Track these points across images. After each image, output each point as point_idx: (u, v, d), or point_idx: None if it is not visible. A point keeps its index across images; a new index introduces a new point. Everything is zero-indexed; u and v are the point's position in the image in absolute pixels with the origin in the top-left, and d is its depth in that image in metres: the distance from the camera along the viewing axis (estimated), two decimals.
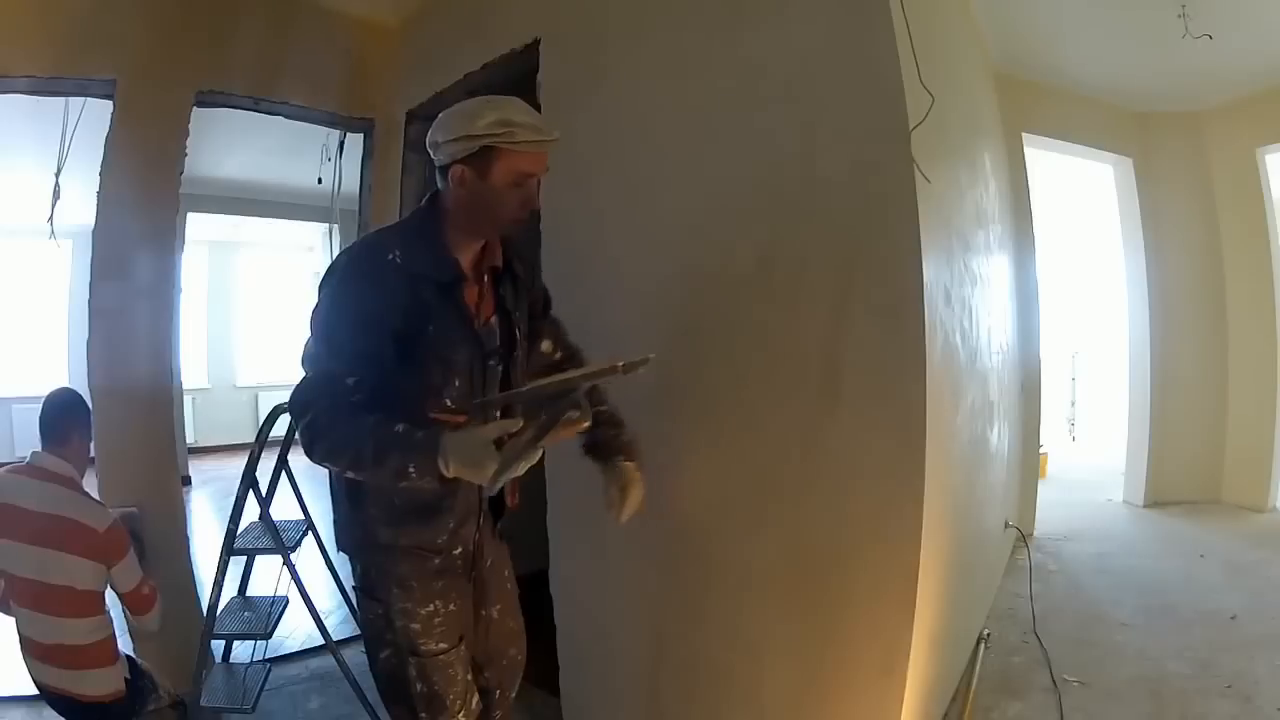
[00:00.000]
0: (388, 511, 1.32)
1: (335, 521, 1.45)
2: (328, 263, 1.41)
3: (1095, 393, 7.09)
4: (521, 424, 1.16)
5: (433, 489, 1.20)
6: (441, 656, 1.36)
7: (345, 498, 1.38)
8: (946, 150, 1.98)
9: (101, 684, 1.76)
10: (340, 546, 1.48)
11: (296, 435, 1.23)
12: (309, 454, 1.23)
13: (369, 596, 1.39)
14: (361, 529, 1.37)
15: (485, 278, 1.37)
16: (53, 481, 1.76)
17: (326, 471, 1.41)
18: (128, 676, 1.83)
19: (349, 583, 2.46)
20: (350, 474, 1.24)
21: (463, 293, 1.32)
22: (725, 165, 1.76)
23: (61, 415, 1.85)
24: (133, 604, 1.89)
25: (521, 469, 1.17)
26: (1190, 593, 3.08)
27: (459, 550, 1.38)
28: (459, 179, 1.24)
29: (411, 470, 1.15)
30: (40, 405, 1.85)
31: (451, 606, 1.39)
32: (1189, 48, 3.22)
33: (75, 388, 2.03)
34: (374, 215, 3.15)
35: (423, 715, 1.36)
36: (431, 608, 1.36)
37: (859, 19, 1.53)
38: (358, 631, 2.52)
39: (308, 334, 1.27)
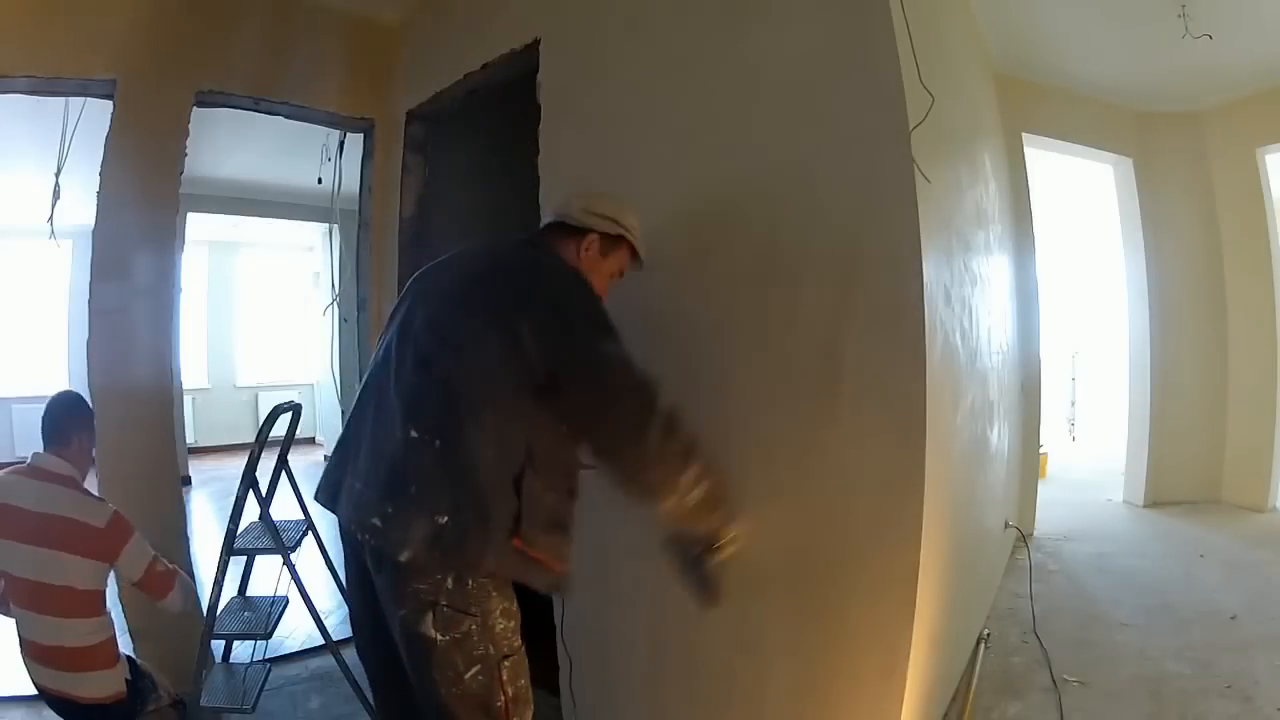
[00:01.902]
0: (544, 522, 1.35)
1: (441, 531, 1.25)
2: (548, 263, 1.47)
3: (1095, 393, 7.10)
4: None
5: (558, 506, 1.39)
6: (522, 648, 1.38)
7: (501, 510, 1.28)
8: (946, 150, 1.98)
9: (103, 686, 1.75)
10: (428, 560, 1.27)
11: (642, 420, 1.29)
12: (666, 436, 1.30)
13: (462, 612, 1.28)
14: (508, 543, 1.30)
15: None
16: (52, 482, 1.75)
17: (434, 473, 1.29)
18: (128, 677, 1.83)
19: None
20: (682, 477, 1.31)
21: None
22: (725, 165, 1.76)
23: (62, 416, 1.84)
24: (150, 587, 1.86)
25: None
26: (1190, 593, 3.08)
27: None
28: (589, 244, 1.53)
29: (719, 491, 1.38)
30: (43, 407, 1.85)
31: None
32: (1189, 48, 3.22)
33: (76, 389, 2.03)
34: (374, 215, 3.15)
35: None
36: (516, 604, 1.38)
37: (859, 19, 1.53)
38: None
39: (578, 329, 1.32)
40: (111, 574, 1.82)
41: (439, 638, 1.28)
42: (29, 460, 1.80)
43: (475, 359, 1.32)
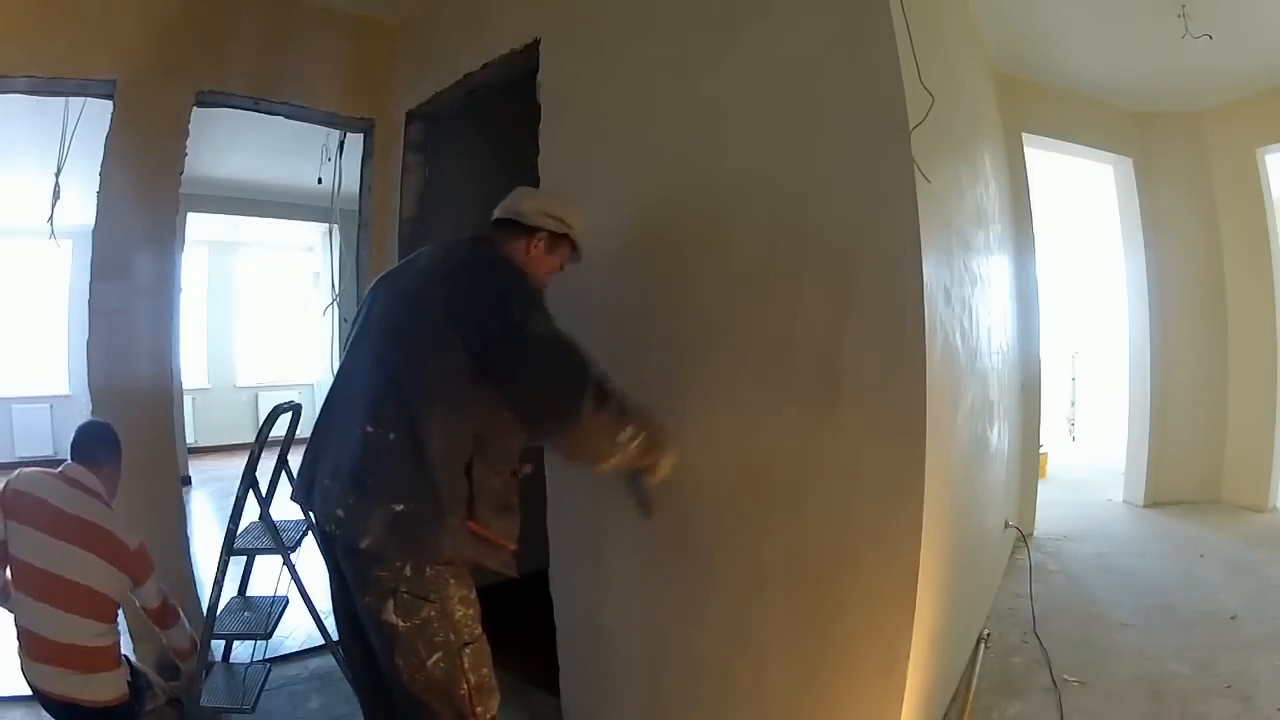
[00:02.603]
0: (494, 506, 1.41)
1: (399, 518, 1.31)
2: (478, 256, 1.52)
3: (1095, 393, 7.10)
4: None
5: (504, 489, 1.44)
6: (483, 636, 1.42)
7: (453, 496, 1.34)
8: (946, 150, 1.98)
9: (109, 688, 1.75)
10: (385, 547, 1.33)
11: (572, 396, 1.32)
12: (597, 407, 1.32)
13: (421, 599, 1.34)
14: (463, 525, 1.35)
15: None
16: (84, 492, 1.80)
17: (386, 464, 1.35)
18: (129, 679, 1.83)
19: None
20: (619, 438, 1.37)
21: None
22: (725, 165, 1.76)
23: (96, 442, 1.90)
24: (160, 619, 1.93)
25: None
26: (1190, 593, 3.08)
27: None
28: (538, 242, 1.61)
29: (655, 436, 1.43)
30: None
31: None
32: (1189, 48, 3.22)
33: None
34: (374, 215, 3.15)
35: (479, 709, 1.39)
36: (474, 593, 1.43)
37: (859, 19, 1.53)
38: None
39: (512, 313, 1.36)
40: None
41: (400, 624, 1.33)
42: (61, 469, 1.83)
43: (428, 354, 1.39)
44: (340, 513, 1.36)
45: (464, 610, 1.38)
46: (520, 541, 1.49)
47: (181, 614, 2.00)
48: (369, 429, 1.37)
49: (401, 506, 1.32)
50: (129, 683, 1.82)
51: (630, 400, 1.41)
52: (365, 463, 1.36)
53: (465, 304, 1.39)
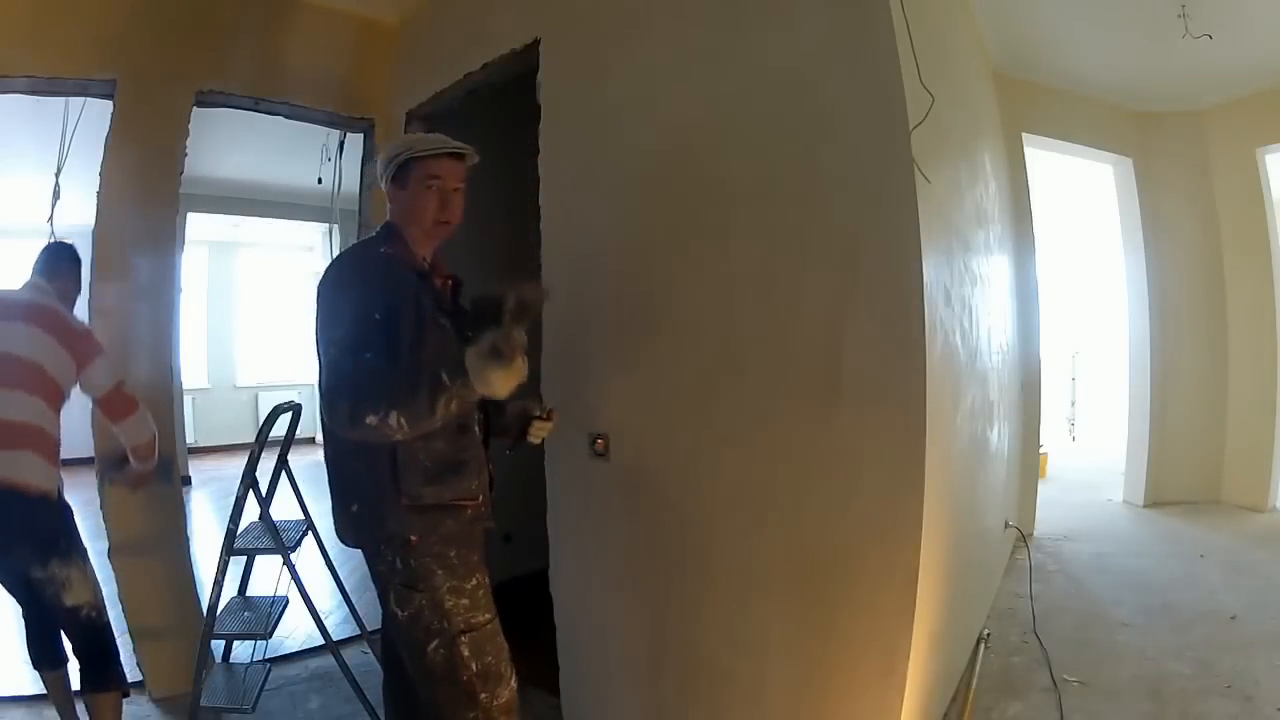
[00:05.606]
0: (425, 475, 1.40)
1: (359, 517, 1.43)
2: (326, 265, 1.51)
3: (1095, 393, 7.10)
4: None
5: (451, 448, 1.43)
6: (489, 625, 1.44)
7: (380, 482, 1.38)
8: (946, 150, 1.98)
9: (37, 473, 1.72)
10: (368, 542, 1.45)
11: (378, 422, 1.23)
12: (409, 426, 1.24)
13: (411, 589, 1.40)
14: (400, 506, 1.38)
15: (447, 282, 1.58)
16: (38, 290, 1.89)
17: (334, 471, 1.48)
18: (62, 497, 1.82)
19: (349, 582, 2.48)
20: (440, 417, 1.27)
21: (432, 281, 1.52)
22: (725, 165, 1.77)
23: (55, 257, 2.00)
24: (110, 407, 1.91)
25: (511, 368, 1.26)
26: (1190, 593, 3.08)
27: (482, 497, 1.49)
28: (390, 196, 1.53)
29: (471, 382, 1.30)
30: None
31: (486, 579, 1.48)
32: (1189, 48, 3.22)
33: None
34: (374, 215, 3.14)
35: (483, 696, 1.40)
36: (475, 581, 1.45)
37: (859, 19, 1.53)
38: (358, 631, 2.55)
39: (333, 332, 1.35)
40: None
41: (400, 613, 1.42)
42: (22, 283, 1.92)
43: (320, 367, 1.41)
44: (335, 524, 1.52)
45: (455, 600, 1.41)
46: (491, 490, 1.53)
47: (143, 407, 1.95)
48: (325, 449, 1.50)
49: (355, 507, 1.44)
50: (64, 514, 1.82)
51: (422, 396, 1.25)
52: (329, 478, 1.50)
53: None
